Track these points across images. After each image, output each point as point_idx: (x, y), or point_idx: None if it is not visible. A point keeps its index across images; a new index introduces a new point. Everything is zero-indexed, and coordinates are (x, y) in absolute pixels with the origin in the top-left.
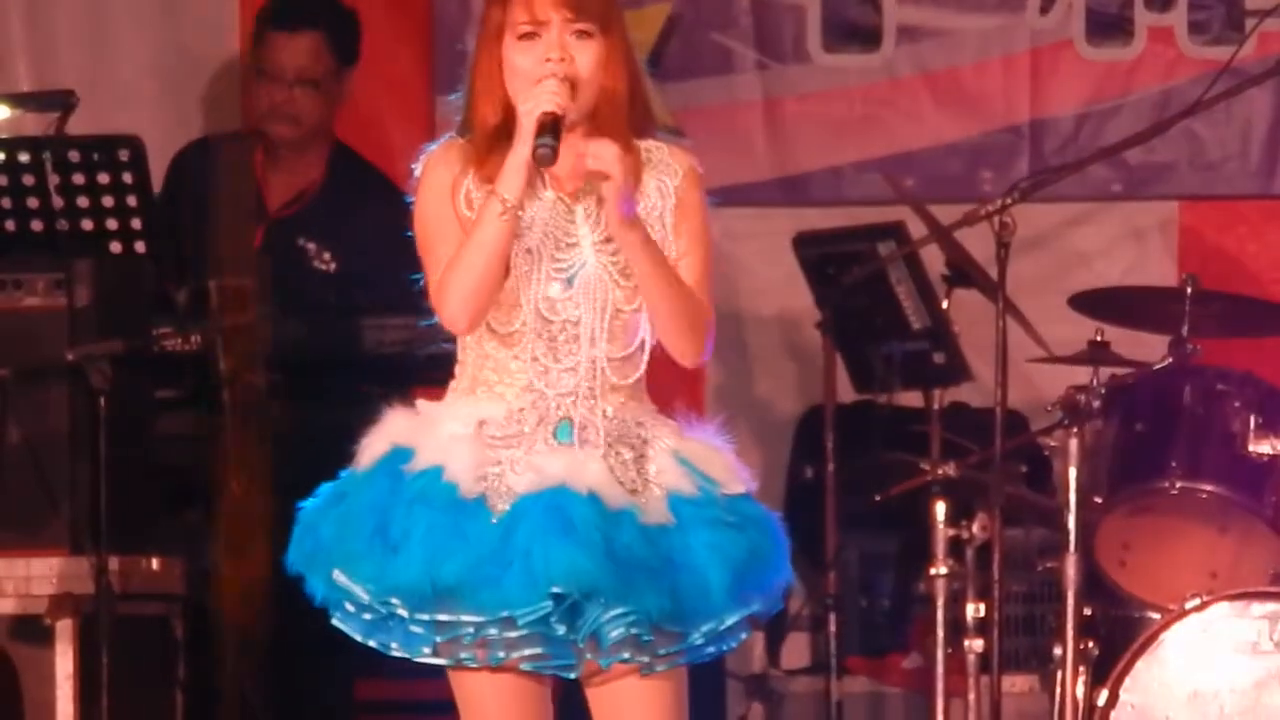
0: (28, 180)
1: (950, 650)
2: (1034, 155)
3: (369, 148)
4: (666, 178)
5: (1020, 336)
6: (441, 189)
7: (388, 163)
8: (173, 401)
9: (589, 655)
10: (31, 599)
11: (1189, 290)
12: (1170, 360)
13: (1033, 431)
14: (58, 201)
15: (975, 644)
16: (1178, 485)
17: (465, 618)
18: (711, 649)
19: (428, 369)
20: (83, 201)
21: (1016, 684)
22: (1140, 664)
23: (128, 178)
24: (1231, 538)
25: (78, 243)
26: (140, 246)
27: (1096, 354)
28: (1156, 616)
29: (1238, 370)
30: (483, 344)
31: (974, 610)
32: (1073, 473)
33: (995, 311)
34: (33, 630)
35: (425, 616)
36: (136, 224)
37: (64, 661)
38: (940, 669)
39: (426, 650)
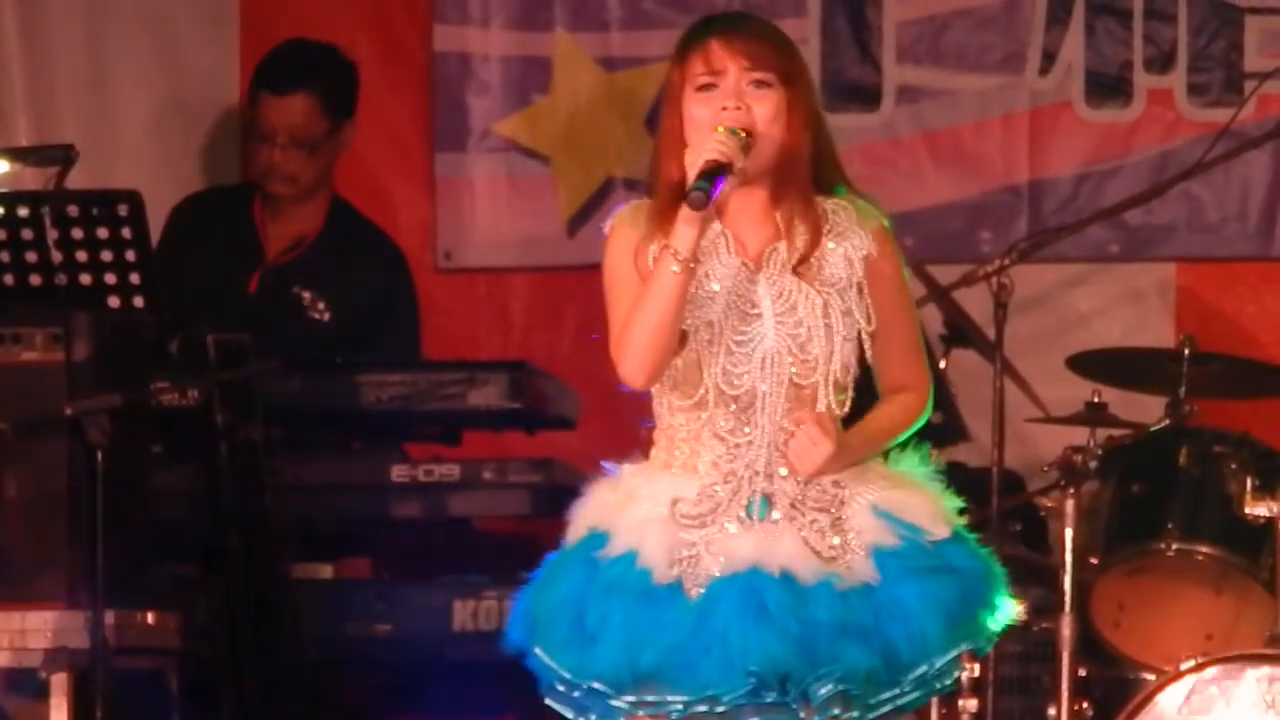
0: (27, 235)
1: (944, 710)
2: (1033, 216)
3: (368, 203)
4: (852, 245)
5: (1018, 396)
6: (625, 248)
7: (388, 218)
8: (170, 455)
9: (802, 714)
10: (26, 652)
11: (1186, 351)
12: (1167, 421)
13: (1029, 491)
14: (56, 256)
15: (969, 704)
16: (1174, 546)
17: (671, 697)
18: (923, 692)
19: (425, 425)
20: (81, 256)
21: None
22: None
23: (126, 233)
24: (1228, 599)
25: (76, 297)
26: (138, 301)
27: (1094, 414)
28: (1151, 678)
29: (1235, 431)
30: (673, 416)
31: (968, 670)
32: (1069, 533)
33: (993, 371)
34: (28, 683)
35: (630, 698)
36: (135, 279)
37: (58, 715)
38: None
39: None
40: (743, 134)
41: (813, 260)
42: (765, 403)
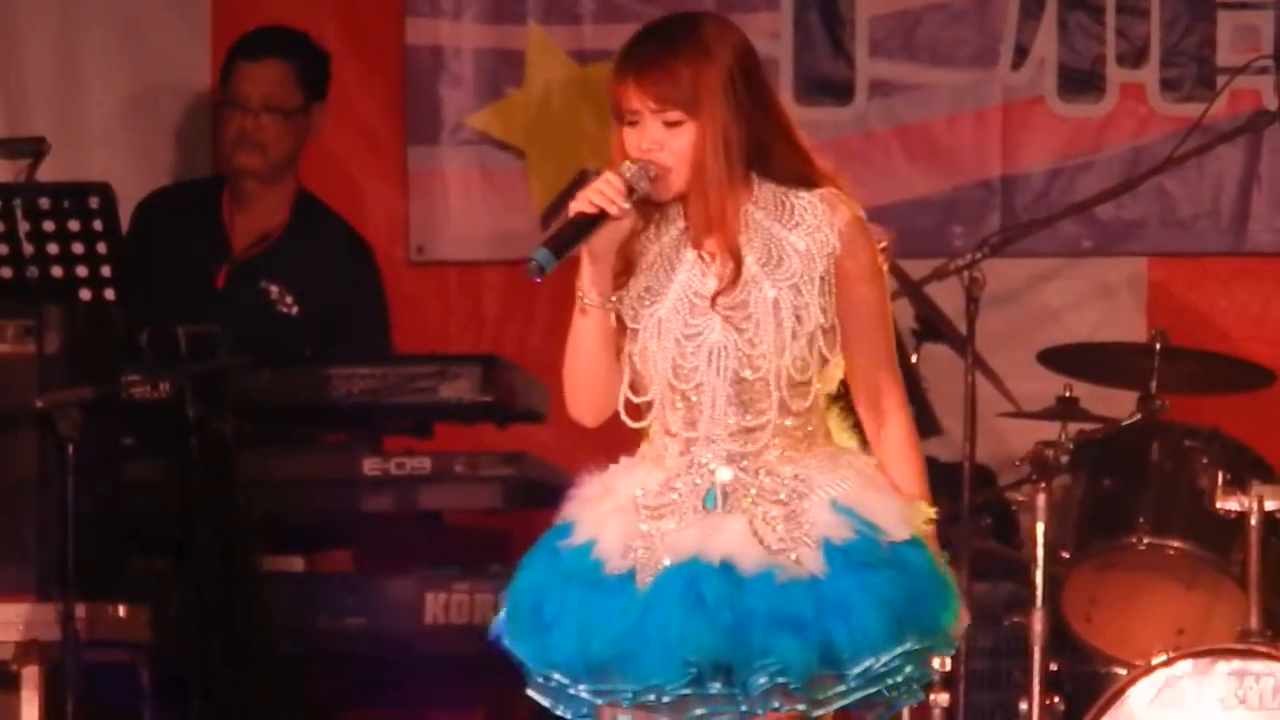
0: None
1: (916, 705)
2: (1005, 210)
3: (340, 197)
4: (816, 242)
5: (989, 391)
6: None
7: (360, 211)
8: (141, 449)
9: (745, 707)
10: None
11: (1158, 346)
12: (1139, 416)
13: (1001, 486)
14: (28, 248)
15: (941, 698)
16: (1145, 541)
17: (621, 686)
18: (875, 690)
19: (396, 418)
20: (53, 248)
21: None
22: None
23: (98, 225)
24: (1198, 594)
25: (47, 290)
26: (110, 294)
27: (1065, 409)
28: (1122, 672)
29: (1206, 426)
30: (638, 413)
31: (939, 664)
32: (1040, 528)
33: (964, 366)
34: None
35: (585, 687)
36: (106, 271)
37: (29, 709)
38: None
39: (585, 711)
40: (641, 165)
41: (773, 252)
42: (709, 396)
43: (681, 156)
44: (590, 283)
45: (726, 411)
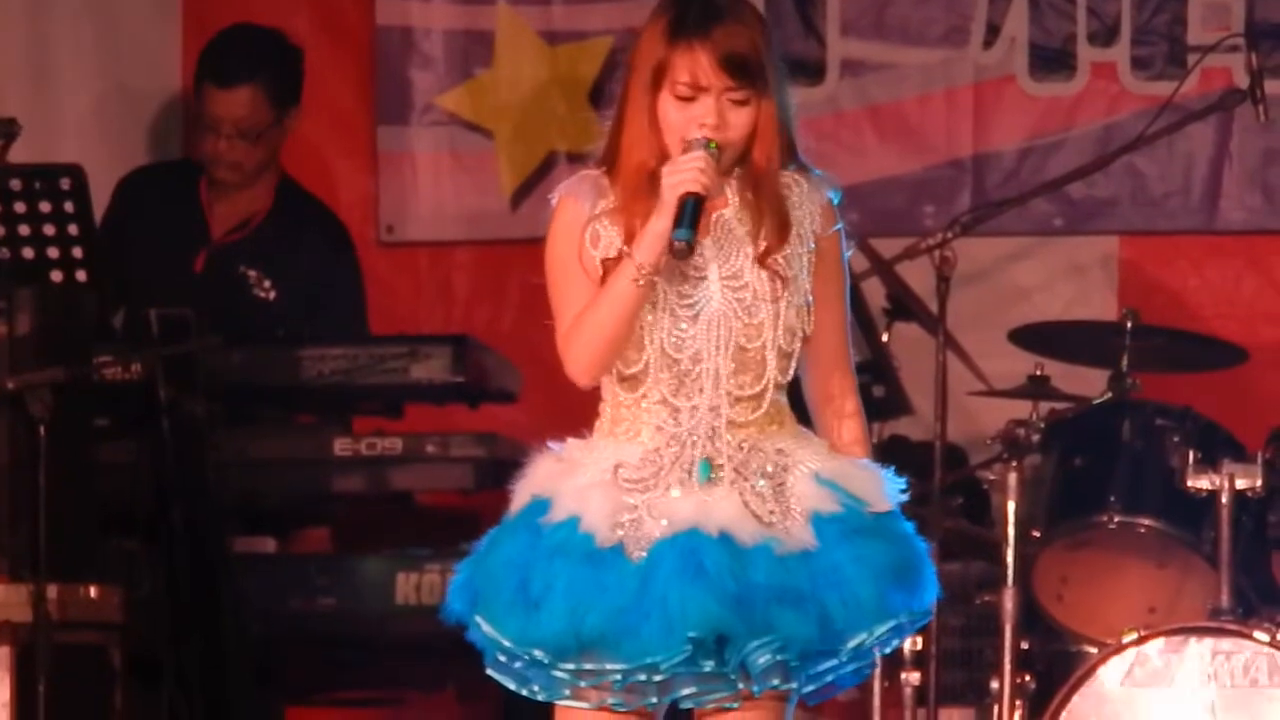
0: None
1: (887, 683)
2: (976, 189)
3: (310, 177)
4: (805, 217)
5: (960, 370)
6: (571, 228)
7: (330, 194)
8: (112, 430)
9: (741, 685)
10: None
11: (1129, 325)
12: (1110, 395)
13: (972, 465)
14: None
15: (912, 677)
16: (1116, 520)
17: (610, 666)
18: (862, 664)
19: (367, 399)
20: (24, 230)
21: (953, 718)
22: (1077, 698)
23: (69, 207)
24: (1170, 572)
25: (19, 271)
26: (81, 275)
27: (1036, 388)
28: (1093, 651)
29: (1177, 405)
30: (617, 384)
31: (911, 643)
32: (1011, 506)
33: (935, 345)
34: None
35: (571, 666)
36: (78, 253)
37: (0, 689)
38: (877, 702)
39: (567, 693)
40: (715, 147)
41: (764, 228)
42: (710, 366)
43: (740, 134)
44: (650, 255)
45: (723, 381)
